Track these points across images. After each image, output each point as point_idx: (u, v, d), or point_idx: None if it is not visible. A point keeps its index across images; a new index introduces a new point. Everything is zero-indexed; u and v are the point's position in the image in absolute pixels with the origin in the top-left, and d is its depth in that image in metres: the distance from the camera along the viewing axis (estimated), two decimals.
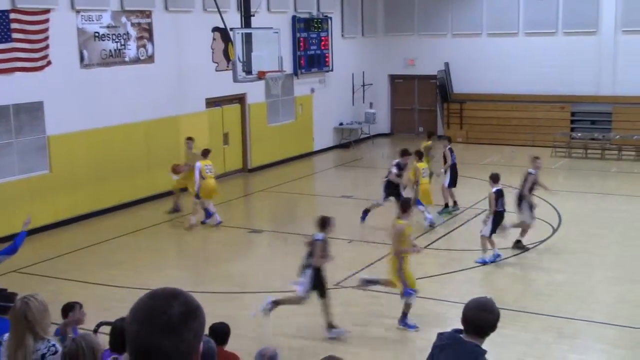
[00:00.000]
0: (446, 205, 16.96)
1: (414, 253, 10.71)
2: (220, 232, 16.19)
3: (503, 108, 26.11)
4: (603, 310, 11.38)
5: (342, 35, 26.46)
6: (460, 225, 16.15)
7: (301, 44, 23.88)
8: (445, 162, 16.95)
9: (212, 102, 20.62)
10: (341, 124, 26.81)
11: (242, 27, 18.56)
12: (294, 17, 23.60)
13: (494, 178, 13.66)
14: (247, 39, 18.20)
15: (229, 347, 6.87)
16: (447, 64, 26.88)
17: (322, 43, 24.92)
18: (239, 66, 17.94)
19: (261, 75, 18.42)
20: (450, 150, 16.93)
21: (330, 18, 25.33)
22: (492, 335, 4.75)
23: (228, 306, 11.14)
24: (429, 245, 14.62)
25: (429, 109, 28.32)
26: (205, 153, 16.21)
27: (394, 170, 15.63)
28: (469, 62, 26.53)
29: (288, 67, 22.20)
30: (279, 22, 21.67)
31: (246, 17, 18.96)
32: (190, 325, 2.18)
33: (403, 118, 28.97)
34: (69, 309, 7.14)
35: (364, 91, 27.82)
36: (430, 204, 16.11)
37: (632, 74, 24.16)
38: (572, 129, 25.28)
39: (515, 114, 25.81)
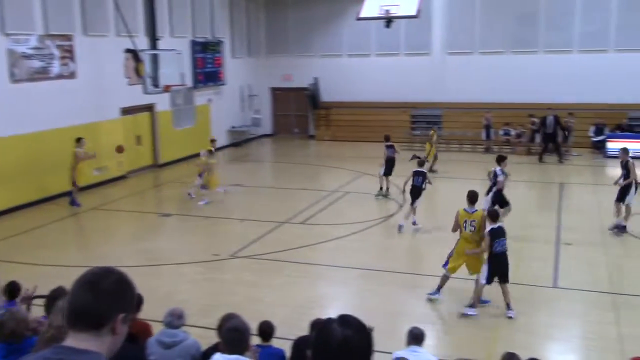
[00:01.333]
0: (380, 189, 16.85)
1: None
2: (136, 216, 15.70)
3: (360, 113, 26.53)
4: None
5: (233, 56, 26.08)
6: (330, 205, 16.33)
7: (199, 62, 23.38)
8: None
9: (126, 111, 19.86)
10: (233, 127, 26.46)
11: (149, 49, 18.01)
12: (192, 41, 23.06)
13: (420, 163, 14.26)
14: (154, 59, 17.65)
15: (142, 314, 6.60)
16: (316, 79, 27.02)
17: (217, 62, 24.50)
18: (148, 81, 17.38)
19: (167, 89, 17.91)
20: (387, 147, 16.80)
21: (223, 42, 24.94)
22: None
23: (142, 278, 10.79)
24: (305, 220, 14.75)
25: (302, 114, 28.37)
26: (211, 141, 17.95)
27: (501, 178, 12.95)
28: (334, 77, 26.76)
29: (189, 82, 21.62)
30: (180, 44, 21.08)
31: (153, 41, 18.41)
32: (119, 292, 2.19)
33: (282, 122, 28.91)
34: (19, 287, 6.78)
35: (251, 101, 27.62)
36: (214, 189, 16.82)
37: (456, 85, 25.13)
38: (413, 128, 25.97)
39: (369, 117, 26.27)
